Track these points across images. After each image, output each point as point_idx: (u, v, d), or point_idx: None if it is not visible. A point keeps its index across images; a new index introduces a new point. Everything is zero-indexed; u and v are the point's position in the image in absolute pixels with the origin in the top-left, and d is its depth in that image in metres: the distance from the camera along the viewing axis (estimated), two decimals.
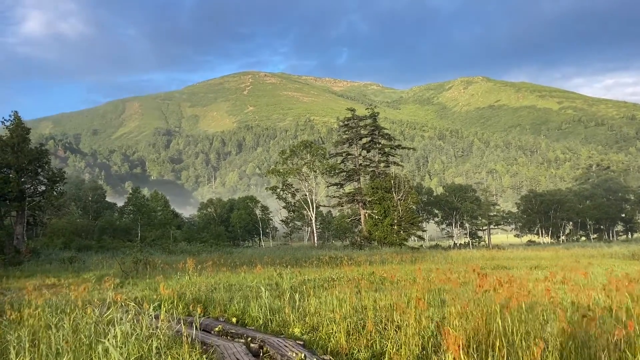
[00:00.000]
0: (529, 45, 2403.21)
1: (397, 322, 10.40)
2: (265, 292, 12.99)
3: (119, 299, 9.40)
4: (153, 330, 8.52)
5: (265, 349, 9.13)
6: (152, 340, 7.82)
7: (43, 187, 52.95)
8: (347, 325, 9.91)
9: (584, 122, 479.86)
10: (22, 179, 50.28)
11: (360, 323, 10.29)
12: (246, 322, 12.41)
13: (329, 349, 9.18)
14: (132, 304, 9.34)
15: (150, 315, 9.07)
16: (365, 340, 8.93)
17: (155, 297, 15.16)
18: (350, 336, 9.51)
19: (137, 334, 8.18)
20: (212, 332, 11.07)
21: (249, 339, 9.86)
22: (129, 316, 8.63)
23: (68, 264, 38.41)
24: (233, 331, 10.66)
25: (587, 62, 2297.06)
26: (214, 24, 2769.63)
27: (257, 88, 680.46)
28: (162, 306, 9.36)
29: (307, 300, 13.08)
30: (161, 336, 8.34)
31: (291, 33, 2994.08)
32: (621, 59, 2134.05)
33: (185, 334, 8.03)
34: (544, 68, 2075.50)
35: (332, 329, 9.98)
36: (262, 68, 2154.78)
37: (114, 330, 7.75)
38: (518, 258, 40.87)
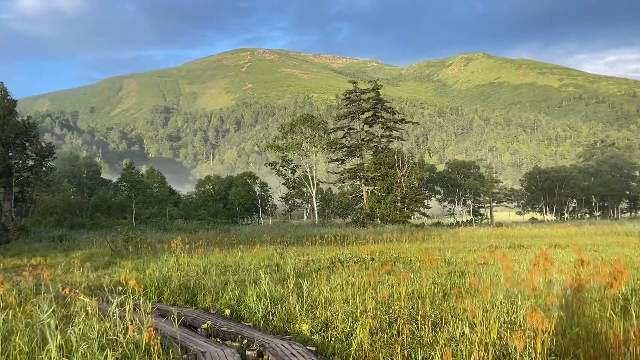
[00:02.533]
0: (531, 21, 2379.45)
1: (433, 317, 8.25)
2: (265, 278, 10.74)
3: (67, 292, 7.12)
4: (116, 335, 6.28)
5: (266, 357, 6.85)
6: (107, 352, 5.57)
7: (31, 162, 50.70)
8: (369, 321, 7.70)
9: (584, 100, 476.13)
10: (9, 154, 48.09)
11: (386, 319, 8.10)
12: (242, 314, 10.16)
13: (350, 357, 6.93)
14: (87, 299, 7.08)
15: (115, 313, 6.87)
16: (399, 348, 6.61)
17: (140, 278, 13.06)
18: (375, 337, 7.31)
19: (92, 340, 5.98)
20: (199, 329, 8.81)
21: (245, 341, 7.65)
22: (83, 315, 6.43)
23: (58, 242, 36.94)
24: (225, 329, 8.38)
25: (590, 39, 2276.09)
26: None
27: (255, 65, 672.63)
28: (128, 301, 7.06)
29: (316, 287, 10.88)
30: (124, 342, 6.12)
31: (290, 7, 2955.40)
32: (625, 36, 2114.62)
33: (154, 339, 5.83)
34: (546, 44, 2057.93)
35: (351, 327, 7.80)
36: (261, 44, 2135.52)
37: (56, 337, 5.52)
38: (529, 236, 38.95)
